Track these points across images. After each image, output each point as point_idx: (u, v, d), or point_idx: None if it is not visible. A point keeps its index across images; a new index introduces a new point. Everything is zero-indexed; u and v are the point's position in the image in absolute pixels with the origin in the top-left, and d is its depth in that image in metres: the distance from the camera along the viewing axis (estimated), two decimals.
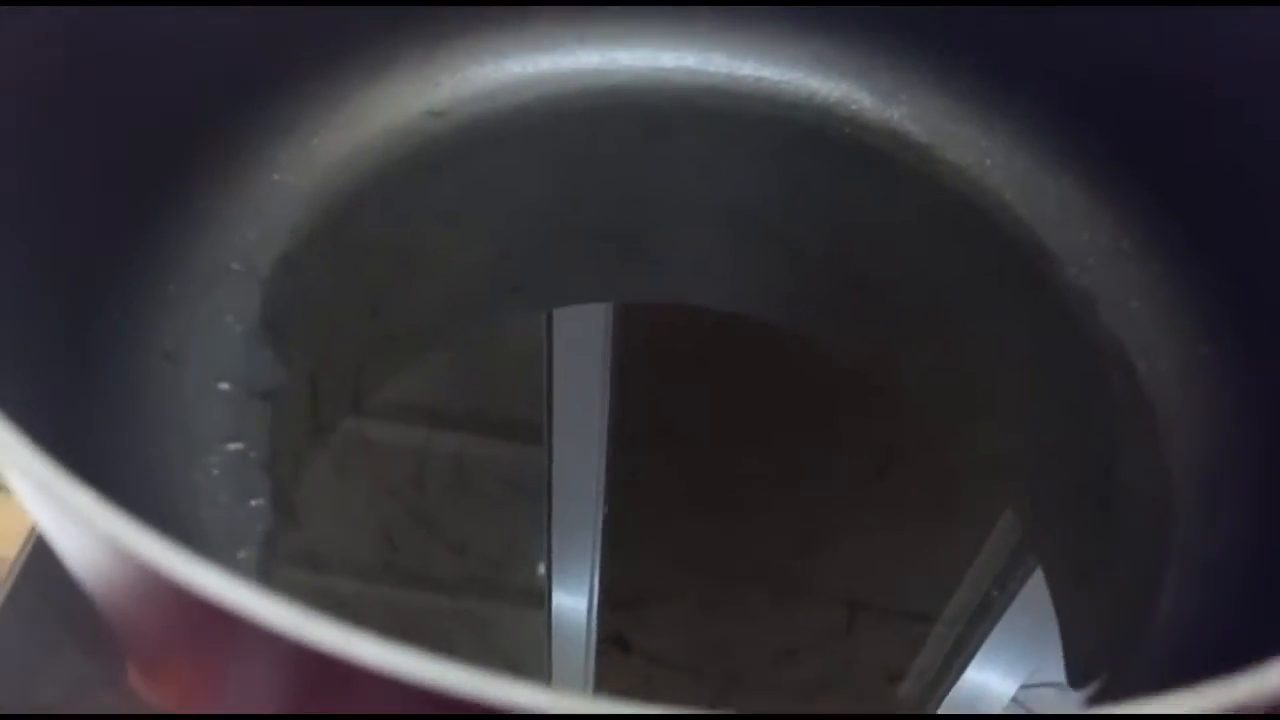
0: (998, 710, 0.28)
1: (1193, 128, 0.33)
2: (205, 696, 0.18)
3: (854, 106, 0.38)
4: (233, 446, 0.29)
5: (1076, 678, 0.28)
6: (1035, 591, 0.30)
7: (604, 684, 0.28)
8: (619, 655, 0.28)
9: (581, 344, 0.34)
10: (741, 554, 0.30)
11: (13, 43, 0.27)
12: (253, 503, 0.28)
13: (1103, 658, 0.28)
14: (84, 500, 0.13)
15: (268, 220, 0.33)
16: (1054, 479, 0.32)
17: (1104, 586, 0.30)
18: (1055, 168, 0.36)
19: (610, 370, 0.34)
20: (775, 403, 0.33)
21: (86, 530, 0.13)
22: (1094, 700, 0.28)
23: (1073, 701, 0.28)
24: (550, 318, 0.35)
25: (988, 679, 0.28)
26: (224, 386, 0.30)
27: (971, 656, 0.29)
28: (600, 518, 0.30)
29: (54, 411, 0.26)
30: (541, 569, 0.29)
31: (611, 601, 0.29)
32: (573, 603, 0.29)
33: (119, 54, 0.30)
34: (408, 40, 0.36)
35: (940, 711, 0.28)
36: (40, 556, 0.30)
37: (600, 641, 0.28)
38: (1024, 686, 0.28)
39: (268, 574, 0.27)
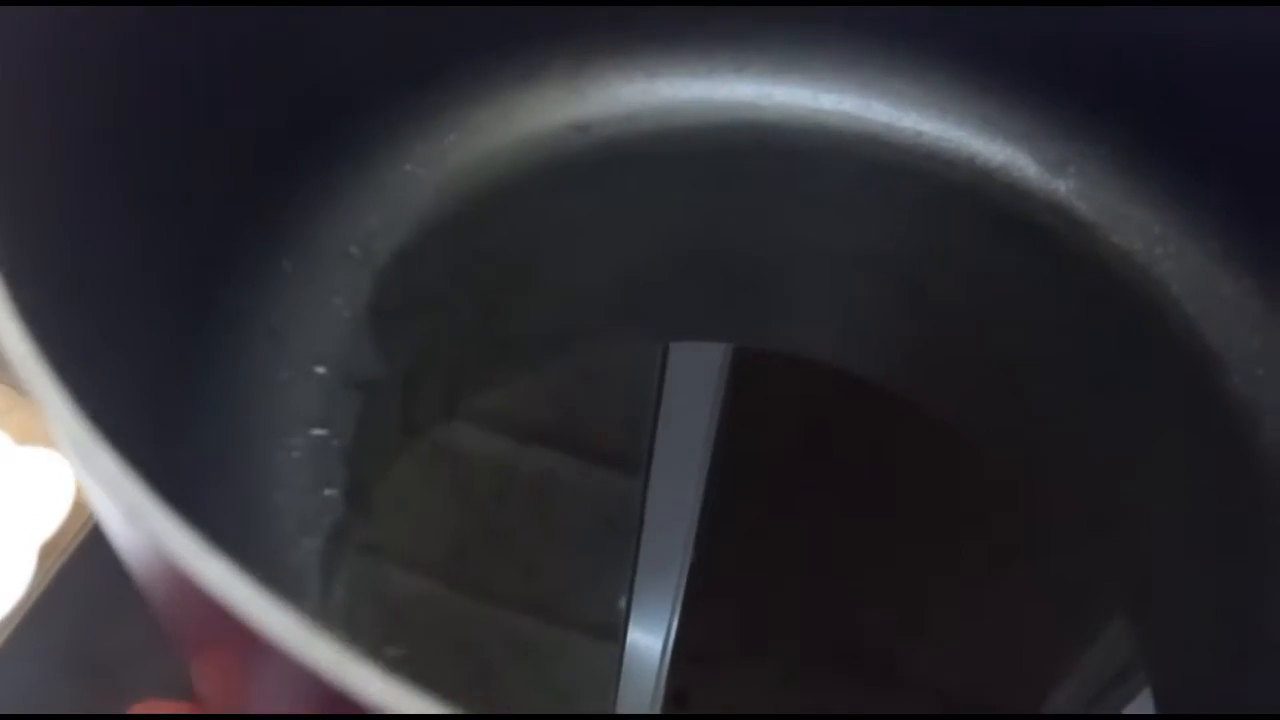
0: None
1: None
2: (232, 695, 0.17)
3: (1016, 174, 0.36)
4: (317, 432, 0.28)
5: None
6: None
7: None
8: (673, 709, 0.26)
9: (694, 381, 0.33)
10: (832, 626, 0.28)
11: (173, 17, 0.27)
12: (327, 492, 0.27)
13: None
14: (109, 466, 0.12)
15: (392, 210, 0.32)
16: (1185, 608, 0.29)
17: None
18: (1233, 265, 0.33)
19: (720, 412, 0.32)
20: (888, 474, 0.31)
21: (112, 498, 0.12)
22: None
23: None
24: (667, 350, 0.33)
25: None
26: (320, 370, 0.29)
27: None
28: (687, 561, 0.28)
29: (147, 371, 0.26)
30: (621, 604, 0.27)
31: (679, 652, 0.27)
32: (646, 645, 0.27)
33: (275, 34, 0.30)
34: (562, 49, 0.35)
35: None
36: (50, 596, 0.30)
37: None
38: None
39: (330, 566, 0.26)
